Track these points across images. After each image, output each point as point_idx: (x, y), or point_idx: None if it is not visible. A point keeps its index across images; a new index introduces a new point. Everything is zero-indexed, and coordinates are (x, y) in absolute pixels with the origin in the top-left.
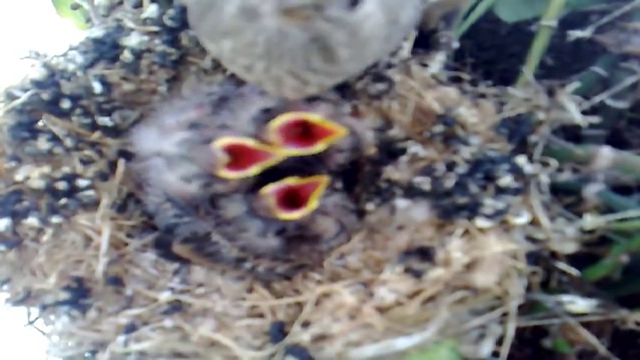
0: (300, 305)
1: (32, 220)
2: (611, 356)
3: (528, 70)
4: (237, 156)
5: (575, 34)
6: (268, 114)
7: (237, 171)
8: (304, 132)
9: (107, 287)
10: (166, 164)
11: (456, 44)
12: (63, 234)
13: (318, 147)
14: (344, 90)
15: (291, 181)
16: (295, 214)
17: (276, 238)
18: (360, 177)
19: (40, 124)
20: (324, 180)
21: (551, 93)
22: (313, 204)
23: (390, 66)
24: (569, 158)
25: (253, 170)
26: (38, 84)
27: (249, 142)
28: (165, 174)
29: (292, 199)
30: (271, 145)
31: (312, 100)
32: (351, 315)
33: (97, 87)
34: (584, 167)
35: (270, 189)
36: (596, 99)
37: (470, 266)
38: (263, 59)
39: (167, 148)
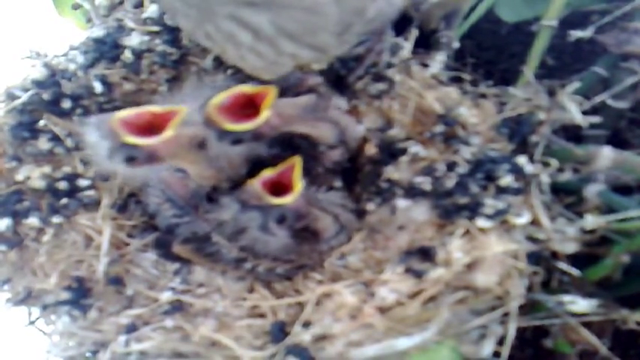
0: (301, 305)
1: (33, 220)
2: (612, 356)
3: (529, 70)
4: (156, 125)
5: (576, 34)
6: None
7: (151, 137)
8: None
9: (108, 287)
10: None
11: (456, 44)
12: (64, 234)
13: (262, 116)
14: (342, 89)
15: (268, 173)
16: (287, 199)
17: (281, 229)
18: (360, 177)
19: (41, 124)
20: (297, 160)
21: (551, 93)
22: (299, 185)
23: (390, 66)
24: (570, 158)
25: (168, 133)
26: (39, 84)
27: (153, 108)
28: (102, 162)
29: (278, 189)
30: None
31: (298, 94)
32: (352, 315)
33: (98, 87)
34: (585, 167)
35: (254, 181)
36: (597, 99)
37: (471, 266)
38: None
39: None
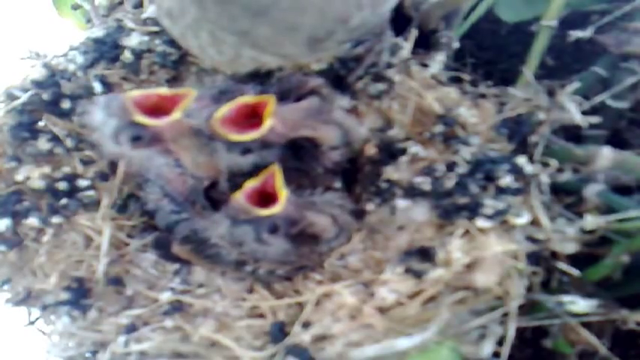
0: (300, 305)
1: (33, 221)
2: (612, 356)
3: (529, 71)
4: (161, 108)
5: (576, 34)
6: (224, 95)
7: (158, 118)
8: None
9: (108, 287)
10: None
11: (456, 44)
12: (63, 234)
13: (265, 125)
14: (342, 89)
15: (251, 184)
16: (275, 208)
17: (277, 238)
18: (360, 177)
19: (41, 124)
20: (275, 167)
21: (551, 93)
22: (283, 192)
23: (390, 66)
24: (570, 158)
25: (175, 115)
26: (38, 84)
27: (162, 90)
28: (106, 143)
29: (264, 199)
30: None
31: (300, 97)
32: (351, 315)
33: (98, 87)
34: (585, 167)
35: (238, 195)
36: (597, 99)
37: (470, 266)
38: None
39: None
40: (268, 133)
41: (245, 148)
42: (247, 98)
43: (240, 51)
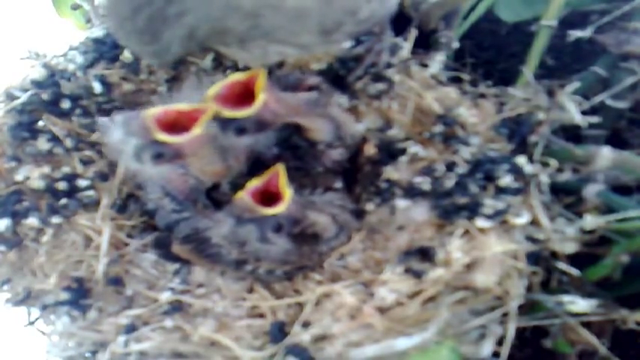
0: (300, 305)
1: (32, 221)
2: (612, 356)
3: (528, 70)
4: (179, 123)
5: (575, 34)
6: None
7: (178, 135)
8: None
9: (107, 287)
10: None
11: (455, 44)
12: (63, 234)
13: (259, 99)
14: (342, 89)
15: (255, 183)
16: (280, 207)
17: (280, 237)
18: (360, 177)
19: (40, 124)
20: (280, 167)
21: (551, 93)
22: (287, 192)
23: (389, 66)
24: (570, 158)
25: (196, 131)
26: (38, 84)
27: (180, 106)
28: (127, 161)
29: (267, 198)
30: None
31: (294, 89)
32: (351, 315)
33: (97, 87)
34: (584, 167)
35: (242, 194)
36: (596, 99)
37: (470, 266)
38: None
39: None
40: (263, 111)
41: (240, 127)
42: (239, 75)
43: (266, 48)
